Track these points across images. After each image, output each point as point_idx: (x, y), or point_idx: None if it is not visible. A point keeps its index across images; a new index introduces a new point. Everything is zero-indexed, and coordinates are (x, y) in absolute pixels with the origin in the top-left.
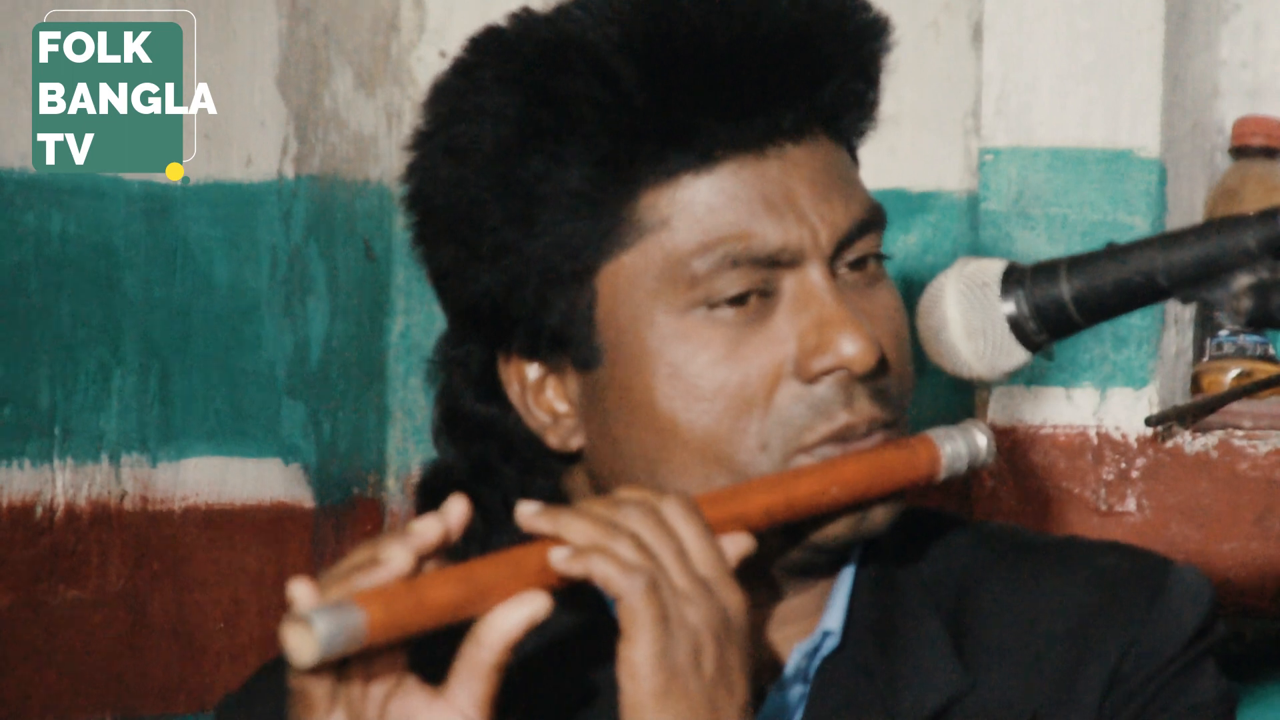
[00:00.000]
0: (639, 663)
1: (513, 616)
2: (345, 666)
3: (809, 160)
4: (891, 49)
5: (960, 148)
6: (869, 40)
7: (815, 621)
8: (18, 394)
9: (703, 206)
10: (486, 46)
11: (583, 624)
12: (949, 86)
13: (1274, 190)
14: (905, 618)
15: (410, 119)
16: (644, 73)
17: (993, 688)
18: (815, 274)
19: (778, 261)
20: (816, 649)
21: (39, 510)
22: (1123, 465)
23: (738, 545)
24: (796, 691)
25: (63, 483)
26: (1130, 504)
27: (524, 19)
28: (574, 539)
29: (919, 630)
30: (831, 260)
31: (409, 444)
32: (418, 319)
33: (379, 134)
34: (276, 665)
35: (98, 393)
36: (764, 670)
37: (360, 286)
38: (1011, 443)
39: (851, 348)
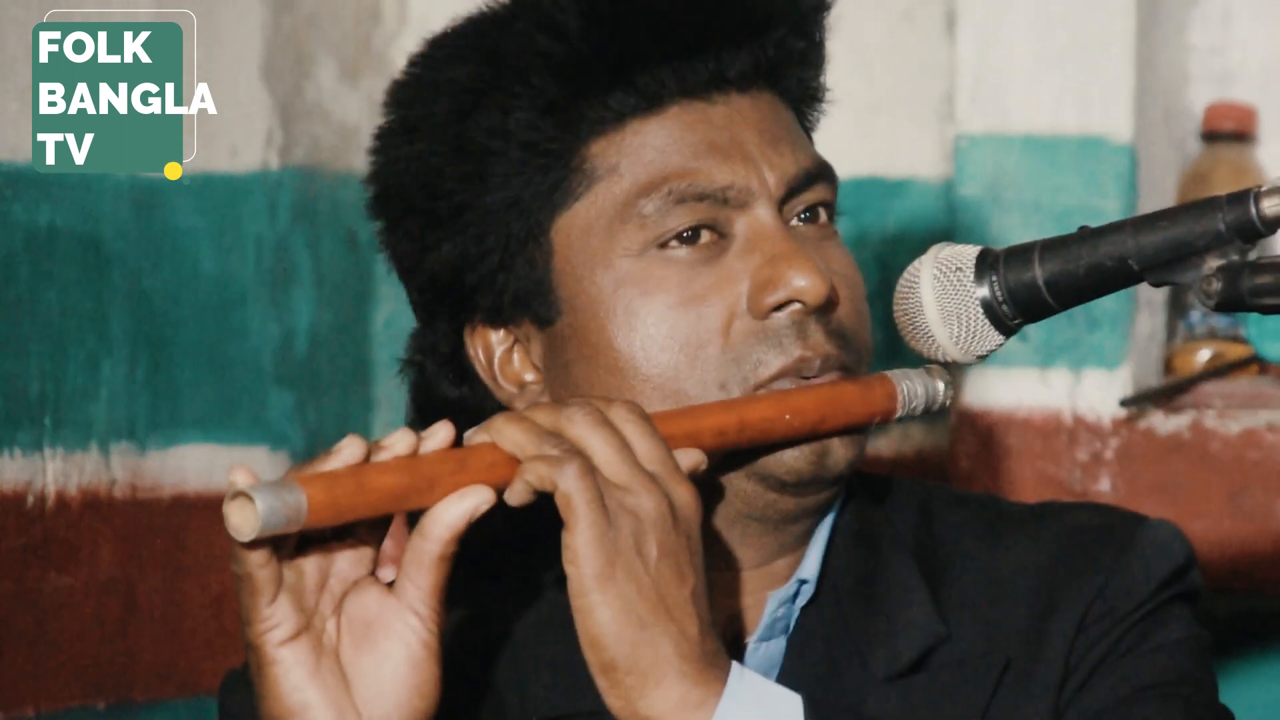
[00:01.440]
0: (579, 547)
1: (456, 508)
2: (294, 556)
3: (754, 111)
4: (830, 7)
5: (935, 134)
6: None
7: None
8: (8, 384)
9: (650, 150)
10: (439, 36)
11: (539, 531)
12: (923, 74)
13: (1244, 174)
14: (884, 568)
15: None
16: (586, 20)
17: (967, 637)
18: (764, 213)
19: (725, 200)
20: (793, 598)
21: (30, 498)
22: (1097, 446)
23: (689, 457)
24: (777, 644)
25: (53, 471)
26: (1104, 484)
27: (480, 10)
28: (509, 445)
29: (898, 580)
30: (781, 205)
31: (393, 431)
32: (402, 307)
33: (362, 124)
34: None
35: (87, 382)
36: (746, 627)
37: (345, 276)
38: (986, 424)
39: (802, 280)
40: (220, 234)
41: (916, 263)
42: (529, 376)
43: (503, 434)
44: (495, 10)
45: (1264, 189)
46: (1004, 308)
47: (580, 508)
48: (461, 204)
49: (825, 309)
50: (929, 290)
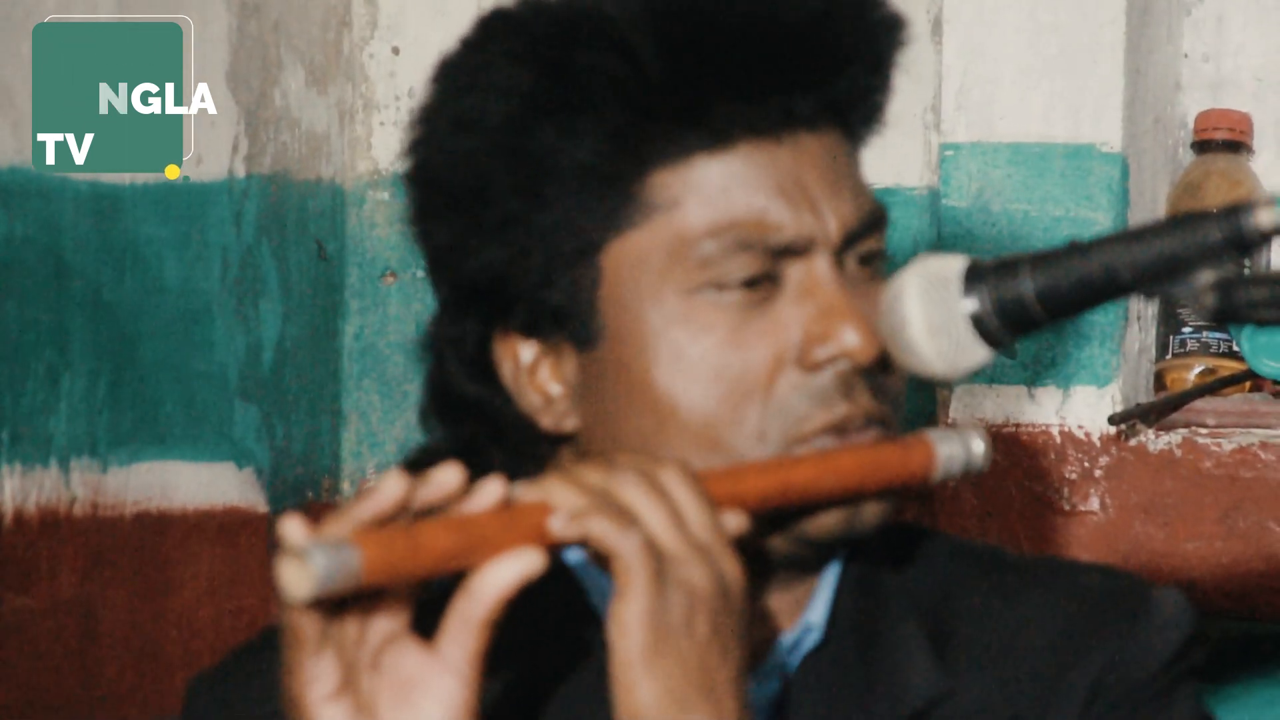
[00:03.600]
0: (630, 620)
1: (507, 571)
2: (339, 611)
3: (821, 150)
4: (905, 45)
5: (921, 143)
6: (885, 34)
7: (797, 619)
8: None
9: (716, 188)
10: (495, 24)
11: (568, 593)
12: (908, 81)
13: (1237, 184)
14: (886, 620)
15: (363, 116)
16: (663, 48)
17: (971, 694)
18: (822, 264)
19: (789, 250)
20: (798, 643)
21: None
22: (1086, 464)
23: (734, 522)
24: (775, 686)
25: (11, 488)
26: (1094, 503)
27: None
28: (564, 505)
29: (899, 633)
30: (838, 253)
31: (363, 447)
32: (371, 321)
33: (331, 132)
34: (248, 648)
35: (46, 396)
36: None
37: (313, 288)
38: None
39: (855, 338)
40: (184, 244)
41: (902, 274)
42: (555, 390)
43: (556, 494)
44: (556, 11)
45: (1259, 201)
46: (992, 321)
47: (638, 580)
48: (511, 215)
49: (873, 367)
50: (915, 303)
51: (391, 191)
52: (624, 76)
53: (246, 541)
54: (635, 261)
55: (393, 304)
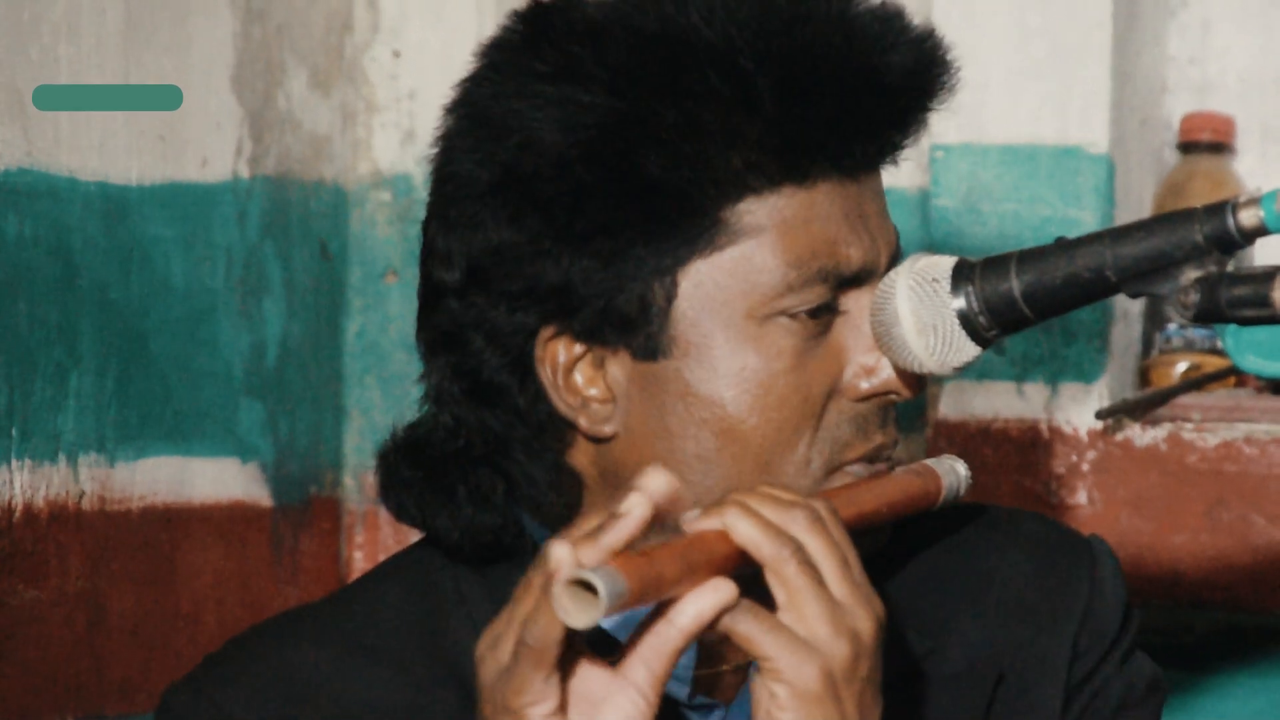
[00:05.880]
0: (806, 668)
1: (709, 600)
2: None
3: (875, 185)
4: (954, 91)
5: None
6: (952, 82)
7: None
8: None
9: (798, 220)
10: (593, 22)
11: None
12: None
13: (1221, 185)
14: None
15: (365, 118)
16: (779, 86)
17: (954, 650)
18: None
19: (854, 280)
20: None
21: None
22: (1073, 458)
23: None
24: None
25: (21, 483)
26: (1081, 497)
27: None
28: (742, 539)
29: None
30: None
31: (365, 443)
32: (373, 318)
33: (334, 134)
34: (219, 658)
35: (55, 393)
36: (728, 648)
37: (316, 286)
38: (963, 436)
39: (901, 375)
40: (190, 244)
41: (892, 274)
42: (594, 392)
43: (737, 528)
44: (666, 30)
45: (1241, 200)
46: (980, 319)
47: (820, 627)
48: (601, 228)
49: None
50: (905, 302)
51: (392, 192)
52: (736, 105)
53: (251, 535)
54: (714, 283)
55: (394, 302)
